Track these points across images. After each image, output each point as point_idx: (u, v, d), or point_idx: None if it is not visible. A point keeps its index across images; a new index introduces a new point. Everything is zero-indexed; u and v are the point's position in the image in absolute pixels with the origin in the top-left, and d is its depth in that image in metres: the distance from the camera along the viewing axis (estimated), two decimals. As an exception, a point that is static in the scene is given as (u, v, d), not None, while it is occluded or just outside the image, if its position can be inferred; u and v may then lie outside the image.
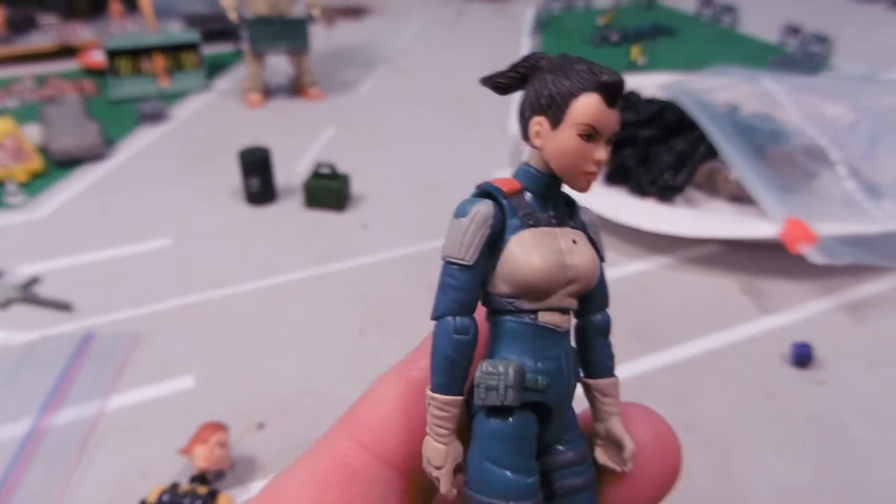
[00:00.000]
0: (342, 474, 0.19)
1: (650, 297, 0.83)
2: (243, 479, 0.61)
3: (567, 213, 0.19)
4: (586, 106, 0.18)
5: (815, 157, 0.99)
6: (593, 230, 0.19)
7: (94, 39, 1.56)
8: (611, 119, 0.18)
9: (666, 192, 0.98)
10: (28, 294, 0.82)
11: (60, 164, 1.13)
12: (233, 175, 1.06)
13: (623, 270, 0.88)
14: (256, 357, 0.75)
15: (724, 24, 1.83)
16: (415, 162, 1.15)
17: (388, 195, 1.05)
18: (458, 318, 0.18)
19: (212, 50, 1.63)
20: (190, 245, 0.94)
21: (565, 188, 0.19)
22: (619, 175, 1.03)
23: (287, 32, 1.29)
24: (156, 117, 1.28)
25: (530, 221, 0.18)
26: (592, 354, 0.20)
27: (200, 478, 0.58)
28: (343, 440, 0.20)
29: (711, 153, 1.01)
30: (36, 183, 1.08)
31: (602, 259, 0.19)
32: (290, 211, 1.01)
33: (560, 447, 0.18)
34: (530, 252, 0.18)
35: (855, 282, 0.85)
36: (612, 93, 0.18)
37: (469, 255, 0.18)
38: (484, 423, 0.18)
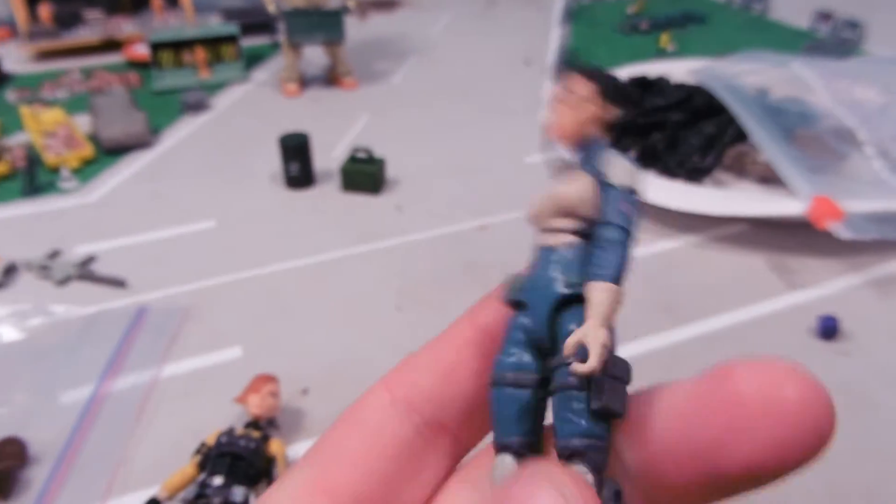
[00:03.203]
0: (458, 341, 0.23)
1: (679, 273, 0.86)
2: (289, 439, 0.65)
3: (588, 168, 0.23)
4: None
5: (844, 139, 1.00)
6: (606, 168, 0.22)
7: (137, 33, 1.61)
8: (558, 89, 0.24)
9: (694, 174, 1.00)
10: (85, 271, 0.87)
11: (110, 151, 1.18)
12: (272, 161, 1.10)
13: (652, 249, 0.90)
14: (300, 330, 0.79)
15: (755, 11, 1.83)
16: (447, 148, 1.18)
17: (422, 179, 1.09)
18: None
19: (249, 42, 1.67)
20: (234, 226, 0.98)
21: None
22: (647, 158, 1.05)
23: (323, 23, 1.32)
24: (198, 107, 1.33)
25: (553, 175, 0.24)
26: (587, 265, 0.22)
27: (254, 424, 0.63)
28: (463, 322, 0.24)
29: (740, 136, 1.03)
30: (87, 169, 1.14)
31: (617, 187, 0.22)
32: (327, 194, 1.05)
33: (558, 354, 0.20)
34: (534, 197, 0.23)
35: (881, 259, 0.86)
36: (556, 75, 0.24)
37: None
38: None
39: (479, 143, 1.20)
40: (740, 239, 0.92)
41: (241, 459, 0.59)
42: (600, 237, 0.22)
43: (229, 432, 0.61)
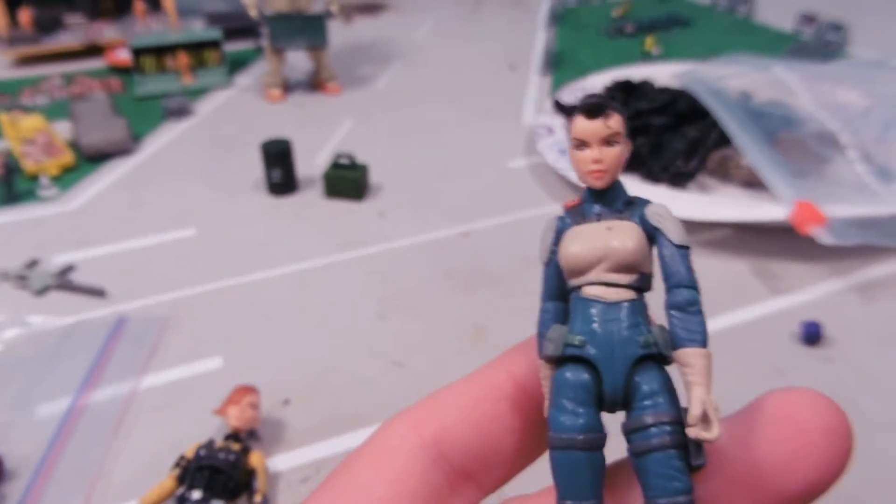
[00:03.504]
0: (495, 393, 0.22)
1: (661, 278, 0.85)
2: (270, 451, 0.64)
3: (618, 210, 0.23)
4: (574, 125, 0.23)
5: (827, 142, 1.00)
6: (655, 219, 0.23)
7: (119, 38, 1.60)
8: (594, 128, 0.23)
9: (678, 179, 1.00)
10: (63, 281, 0.86)
11: (90, 158, 1.17)
12: (254, 167, 1.09)
13: (636, 254, 0.90)
14: (281, 339, 0.78)
15: (740, 13, 1.84)
16: (431, 153, 1.18)
17: (406, 185, 1.08)
18: (545, 302, 0.23)
19: (233, 47, 1.66)
20: (215, 234, 0.97)
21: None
22: (631, 162, 1.05)
23: (306, 28, 1.32)
24: (180, 113, 1.32)
25: (576, 222, 0.23)
26: (670, 329, 0.22)
27: (234, 436, 0.62)
28: (499, 371, 0.23)
29: (723, 140, 1.03)
30: (67, 176, 1.12)
31: (676, 243, 0.22)
32: (310, 201, 1.04)
33: (638, 412, 0.21)
34: (568, 242, 0.23)
35: (865, 264, 0.87)
36: (590, 110, 0.23)
37: (544, 256, 0.24)
38: (553, 376, 0.22)
39: (463, 147, 1.20)
40: (724, 244, 0.92)
41: (221, 473, 0.59)
42: (680, 300, 0.22)
43: (208, 445, 0.60)
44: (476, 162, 1.14)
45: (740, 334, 0.76)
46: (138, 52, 1.42)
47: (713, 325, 0.77)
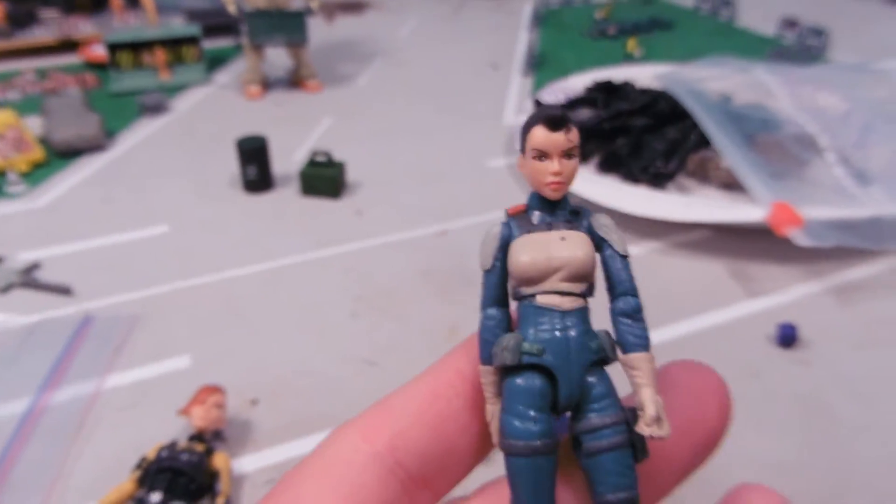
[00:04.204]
0: (448, 392, 0.22)
1: (640, 280, 0.84)
2: (235, 452, 0.63)
3: (566, 219, 0.24)
4: (534, 135, 0.23)
5: (806, 145, 1.00)
6: (602, 230, 0.24)
7: (95, 33, 1.58)
8: (556, 140, 0.23)
9: (657, 180, 0.99)
10: (28, 279, 0.84)
11: (62, 154, 1.15)
12: (231, 164, 1.07)
13: (614, 255, 0.89)
14: (252, 338, 0.77)
15: (723, 17, 1.84)
16: (410, 152, 1.17)
17: (383, 184, 1.07)
18: (487, 309, 0.23)
19: (212, 44, 1.65)
20: (188, 232, 0.95)
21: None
22: (611, 163, 1.04)
23: (285, 25, 1.30)
24: (156, 109, 1.30)
25: (525, 230, 0.23)
26: (617, 334, 0.23)
27: (198, 437, 0.60)
28: (448, 371, 0.23)
29: (703, 141, 1.02)
30: (37, 173, 1.10)
31: (621, 254, 0.23)
32: (286, 198, 1.03)
33: (589, 414, 0.21)
34: (520, 251, 0.23)
35: (842, 266, 0.86)
36: (552, 121, 0.23)
37: (487, 263, 0.24)
38: (504, 383, 0.22)
39: (442, 146, 1.18)
40: (702, 245, 0.91)
41: (182, 475, 0.57)
42: (628, 307, 0.24)
43: (171, 446, 0.59)
44: (455, 161, 1.13)
45: (716, 336, 0.75)
46: (114, 48, 1.40)
47: (690, 326, 0.77)
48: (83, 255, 0.91)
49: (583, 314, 0.23)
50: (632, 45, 1.50)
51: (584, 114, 1.17)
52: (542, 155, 0.23)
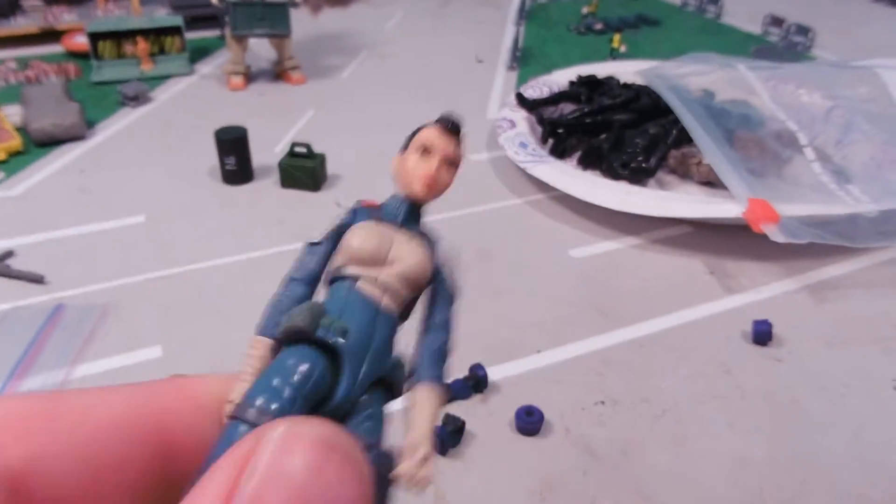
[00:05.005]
0: (106, 414, 0.18)
1: (617, 275, 0.84)
2: (204, 445, 0.62)
3: (418, 230, 0.24)
4: (425, 132, 0.23)
5: (787, 142, 1.00)
6: (444, 259, 0.23)
7: (77, 23, 1.56)
8: (445, 143, 0.23)
9: (637, 175, 0.99)
10: (0, 267, 0.83)
11: (41, 143, 1.14)
12: (211, 155, 1.06)
13: (592, 250, 0.89)
14: (225, 330, 0.76)
15: (709, 14, 1.84)
16: (393, 145, 1.14)
17: (365, 176, 1.06)
18: (293, 281, 0.22)
19: (197, 35, 1.63)
20: (164, 222, 0.95)
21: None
22: (592, 158, 1.04)
23: (268, 16, 1.29)
24: (137, 99, 1.28)
25: (372, 218, 0.23)
26: (419, 361, 0.22)
27: None
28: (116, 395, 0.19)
29: (684, 137, 1.02)
30: (15, 161, 1.09)
31: (449, 292, 0.23)
32: (265, 190, 1.02)
33: (353, 427, 0.19)
34: (358, 232, 0.22)
35: (818, 263, 0.86)
36: (448, 125, 0.23)
37: (321, 238, 0.23)
38: (275, 359, 0.19)
39: (424, 140, 1.18)
40: (681, 241, 0.91)
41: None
42: (435, 342, 0.22)
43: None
44: (436, 155, 1.13)
45: (692, 332, 0.75)
46: (96, 38, 1.38)
47: (665, 322, 0.76)
48: (58, 244, 0.90)
49: (393, 323, 0.21)
50: (617, 41, 1.50)
51: (568, 108, 1.16)
52: (425, 151, 0.23)
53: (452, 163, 0.24)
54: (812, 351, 0.73)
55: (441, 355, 0.22)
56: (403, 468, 0.19)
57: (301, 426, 0.16)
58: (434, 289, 0.23)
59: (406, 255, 0.22)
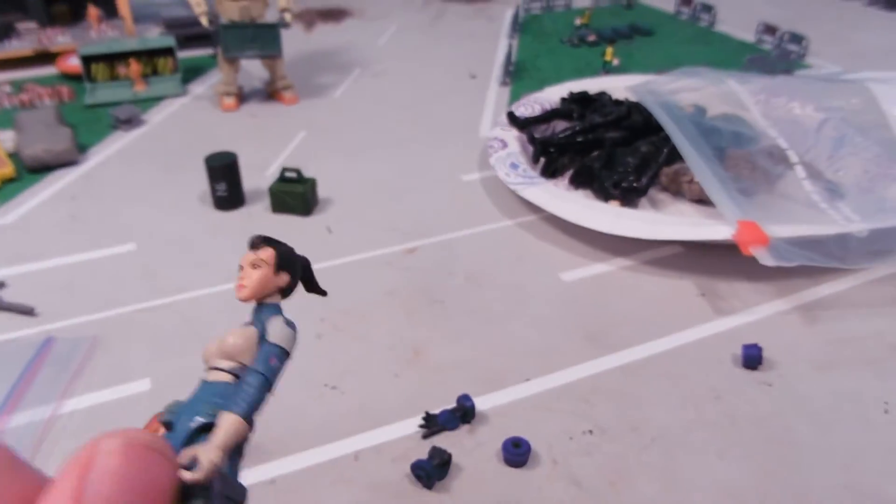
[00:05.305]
0: None
1: (607, 298, 0.84)
2: (190, 483, 0.62)
3: (255, 320, 0.33)
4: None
5: (777, 159, 1.00)
6: (268, 327, 0.33)
7: (71, 45, 1.57)
8: (248, 257, 0.34)
9: (629, 195, 0.98)
10: (-10, 300, 0.83)
11: (33, 170, 1.14)
12: (202, 180, 1.06)
13: (582, 273, 0.89)
14: (213, 361, 0.76)
15: (703, 22, 1.84)
16: (385, 166, 1.16)
17: (357, 199, 1.06)
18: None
19: (191, 54, 1.64)
20: (155, 250, 0.95)
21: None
22: (584, 177, 1.04)
23: (259, 37, 1.29)
24: (129, 122, 1.29)
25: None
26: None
27: None
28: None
29: (676, 155, 1.02)
30: (7, 189, 1.09)
31: (272, 342, 0.32)
32: (257, 216, 1.02)
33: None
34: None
35: (811, 284, 0.86)
36: (250, 244, 0.34)
37: None
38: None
39: (416, 160, 1.18)
40: (672, 262, 0.91)
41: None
42: (244, 379, 0.30)
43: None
44: (430, 175, 1.13)
45: (683, 356, 0.75)
46: (89, 60, 1.39)
47: (655, 347, 0.76)
48: (49, 274, 0.90)
49: (223, 388, 0.30)
50: (609, 54, 1.49)
51: (559, 126, 1.16)
52: (240, 268, 0.34)
53: (256, 264, 0.34)
54: (803, 374, 0.72)
55: (244, 393, 0.29)
56: (183, 467, 0.24)
57: (124, 433, 0.22)
58: (258, 351, 0.31)
59: (229, 338, 0.31)
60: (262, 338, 0.31)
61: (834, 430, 0.66)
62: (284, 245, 0.35)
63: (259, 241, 0.34)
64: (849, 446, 0.64)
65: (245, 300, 0.33)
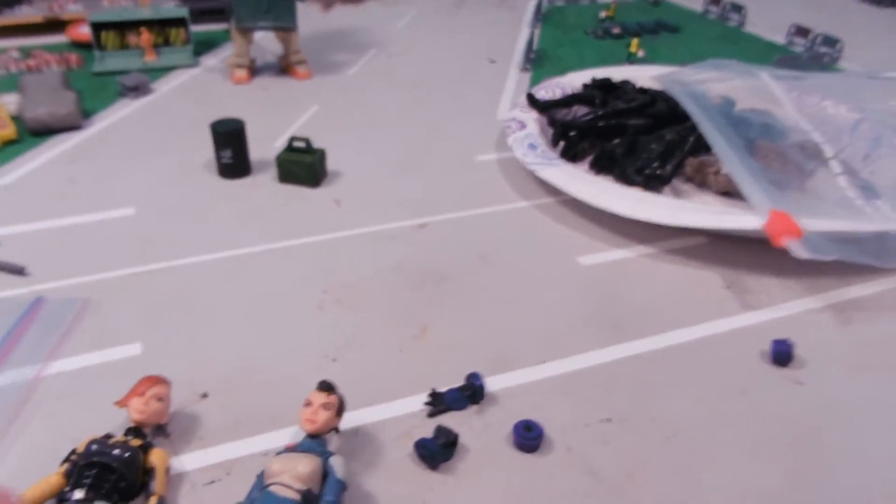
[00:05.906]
0: None
1: (627, 285, 0.80)
2: (178, 448, 0.58)
3: (311, 451, 0.51)
4: (308, 395, 0.54)
5: (810, 154, 0.95)
6: (333, 463, 0.51)
7: (82, 13, 1.53)
8: (319, 397, 0.53)
9: (652, 182, 0.94)
10: (-21, 256, 0.79)
11: (35, 133, 1.10)
12: (208, 149, 1.02)
13: (601, 257, 0.84)
14: (208, 327, 0.72)
15: (732, 22, 1.79)
16: (398, 142, 1.12)
17: (368, 174, 1.02)
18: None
19: (204, 28, 1.60)
20: (154, 215, 0.91)
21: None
22: (604, 163, 0.99)
23: (273, 8, 1.25)
24: (137, 90, 1.25)
25: (287, 450, 0.52)
26: None
27: (135, 430, 0.56)
28: None
29: (702, 145, 0.97)
30: (8, 150, 1.06)
31: (338, 478, 0.50)
32: (262, 185, 0.98)
33: None
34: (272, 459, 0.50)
35: (842, 283, 0.81)
36: (321, 386, 0.53)
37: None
38: None
39: (431, 138, 1.13)
40: (697, 252, 0.86)
41: (111, 471, 0.52)
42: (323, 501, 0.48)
43: (103, 439, 0.54)
44: (444, 154, 1.08)
45: (705, 348, 0.70)
46: (99, 28, 1.35)
47: (678, 337, 0.71)
48: (43, 235, 0.86)
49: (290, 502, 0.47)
50: (635, 45, 1.45)
51: (581, 111, 1.12)
52: (308, 403, 0.52)
53: (327, 406, 0.51)
54: (836, 375, 0.68)
55: None
56: None
57: None
58: (325, 481, 0.48)
59: (299, 466, 0.47)
60: (326, 468, 0.49)
61: (864, 435, 0.61)
62: (341, 394, 0.54)
63: (330, 387, 0.53)
64: (880, 451, 0.60)
65: (310, 434, 0.52)
